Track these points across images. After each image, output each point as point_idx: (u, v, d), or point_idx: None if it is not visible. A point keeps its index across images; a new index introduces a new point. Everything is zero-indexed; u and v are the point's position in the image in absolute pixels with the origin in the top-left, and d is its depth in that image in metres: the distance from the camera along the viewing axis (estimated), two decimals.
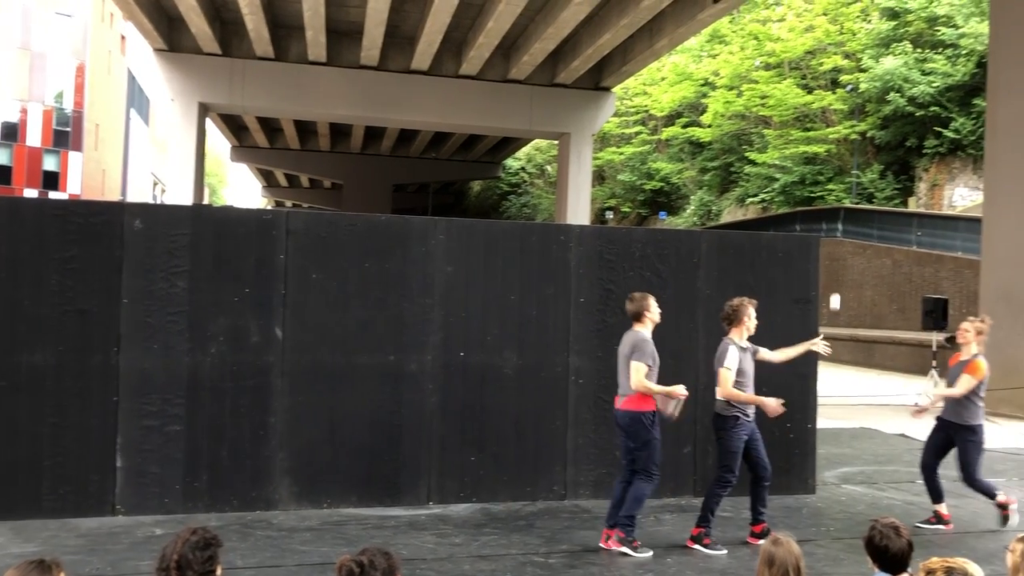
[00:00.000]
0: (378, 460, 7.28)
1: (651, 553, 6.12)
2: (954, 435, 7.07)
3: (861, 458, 10.22)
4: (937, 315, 16.36)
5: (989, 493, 7.04)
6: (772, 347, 7.91)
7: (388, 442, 7.30)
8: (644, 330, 6.26)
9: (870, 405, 15.70)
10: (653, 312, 6.31)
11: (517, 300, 7.66)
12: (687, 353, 7.96)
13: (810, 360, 8.27)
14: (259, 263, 7.11)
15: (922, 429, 12.46)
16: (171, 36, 24.37)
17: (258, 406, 7.05)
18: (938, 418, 7.26)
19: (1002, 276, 15.10)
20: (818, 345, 6.84)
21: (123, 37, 56.03)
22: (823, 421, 8.99)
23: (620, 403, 6.26)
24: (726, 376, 6.33)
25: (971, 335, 7.07)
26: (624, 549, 6.10)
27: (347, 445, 7.20)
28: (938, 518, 7.17)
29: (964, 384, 6.91)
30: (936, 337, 17.76)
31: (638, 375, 6.10)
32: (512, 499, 7.53)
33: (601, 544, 6.28)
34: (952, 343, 21.25)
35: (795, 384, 8.20)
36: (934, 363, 16.88)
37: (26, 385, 6.61)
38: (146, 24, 22.59)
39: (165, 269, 6.91)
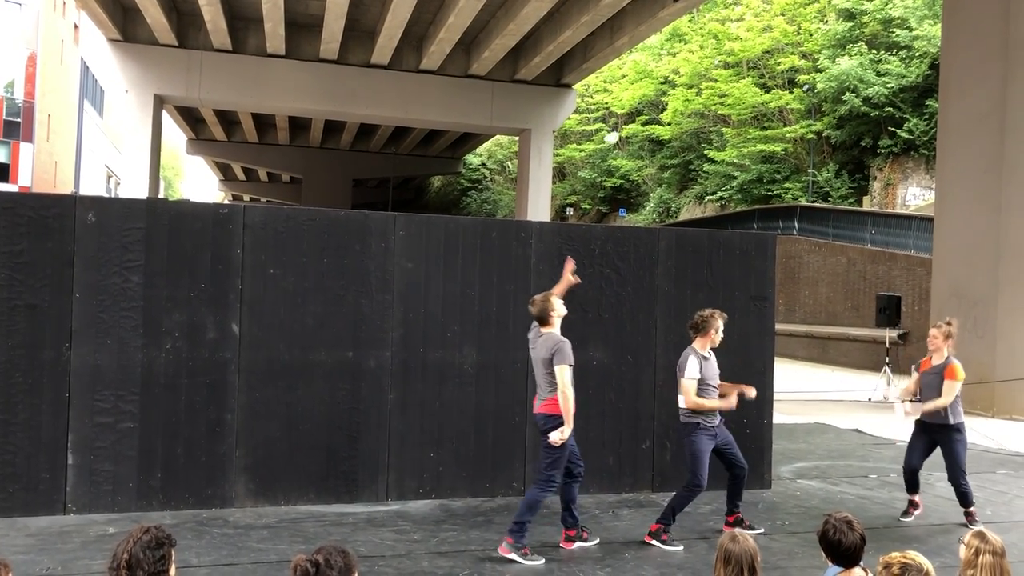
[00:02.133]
0: (336, 457, 7.23)
1: (542, 561, 5.89)
2: (938, 436, 7.17)
3: (815, 453, 10.38)
4: (890, 312, 16.67)
5: (966, 500, 7.16)
6: (730, 343, 8.00)
7: (346, 439, 7.25)
8: (555, 330, 6.12)
9: (825, 401, 15.96)
10: (559, 310, 6.16)
11: (477, 296, 7.65)
12: (645, 349, 8.02)
13: (765, 356, 8.39)
14: (215, 258, 7.01)
15: (874, 424, 12.71)
16: (126, 26, 23.94)
17: (214, 403, 6.97)
18: (919, 421, 7.33)
19: (953, 274, 15.43)
20: (751, 393, 6.69)
21: (76, 26, 54.86)
22: (778, 417, 9.13)
23: (538, 406, 6.10)
24: (688, 386, 6.36)
25: (940, 340, 7.19)
26: (512, 556, 5.87)
27: (305, 442, 7.14)
28: (913, 504, 7.35)
29: (950, 391, 7.01)
30: (889, 334, 18.10)
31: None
32: (471, 495, 7.53)
33: (561, 544, 6.25)
34: (904, 340, 21.68)
35: (751, 380, 8.27)
36: (887, 359, 17.20)
37: None
38: (100, 14, 22.16)
39: (119, 263, 6.78)
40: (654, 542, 6.35)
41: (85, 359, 6.70)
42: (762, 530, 6.76)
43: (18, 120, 46.25)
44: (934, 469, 8.29)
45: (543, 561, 5.92)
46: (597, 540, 6.39)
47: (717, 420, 6.54)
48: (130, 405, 6.78)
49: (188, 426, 6.91)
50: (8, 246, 6.56)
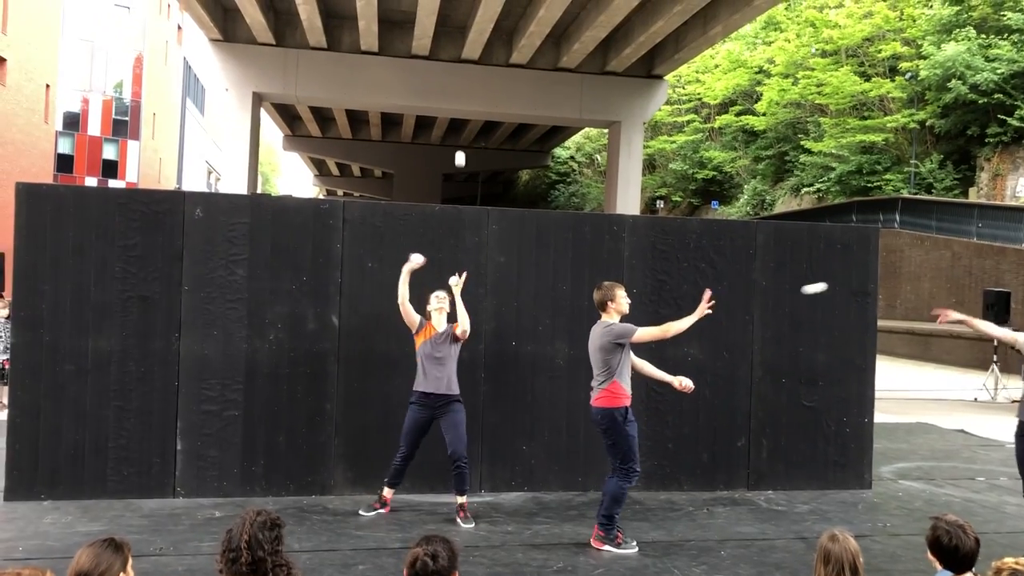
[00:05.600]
0: (430, 447, 7.33)
1: (635, 548, 5.94)
2: None
3: (918, 453, 10.04)
4: (999, 309, 15.94)
5: None
6: (830, 339, 7.81)
7: (437, 429, 7.34)
8: (612, 320, 6.07)
9: (927, 400, 15.39)
10: (620, 301, 6.11)
11: (568, 291, 7.66)
12: (741, 345, 7.89)
13: (867, 353, 8.15)
14: (316, 252, 7.21)
15: (981, 425, 12.20)
16: (226, 26, 24.73)
17: (314, 392, 7.16)
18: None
19: None
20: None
21: (179, 28, 56.97)
22: (879, 416, 8.85)
23: (593, 398, 6.09)
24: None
25: None
26: (607, 547, 5.92)
27: (401, 432, 7.26)
28: None
29: None
30: None
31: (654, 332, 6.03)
32: (563, 489, 7.55)
33: (592, 543, 6.05)
34: None
35: (852, 377, 8.09)
36: (995, 358, 16.47)
37: (92, 368, 6.81)
38: (202, 14, 22.96)
39: (224, 257, 7.04)
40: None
41: (193, 349, 6.97)
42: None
43: (126, 119, 48.34)
44: None
45: (635, 546, 5.96)
46: (635, 545, 6.05)
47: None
48: (235, 394, 7.03)
49: (289, 415, 7.12)
50: (123, 240, 6.88)
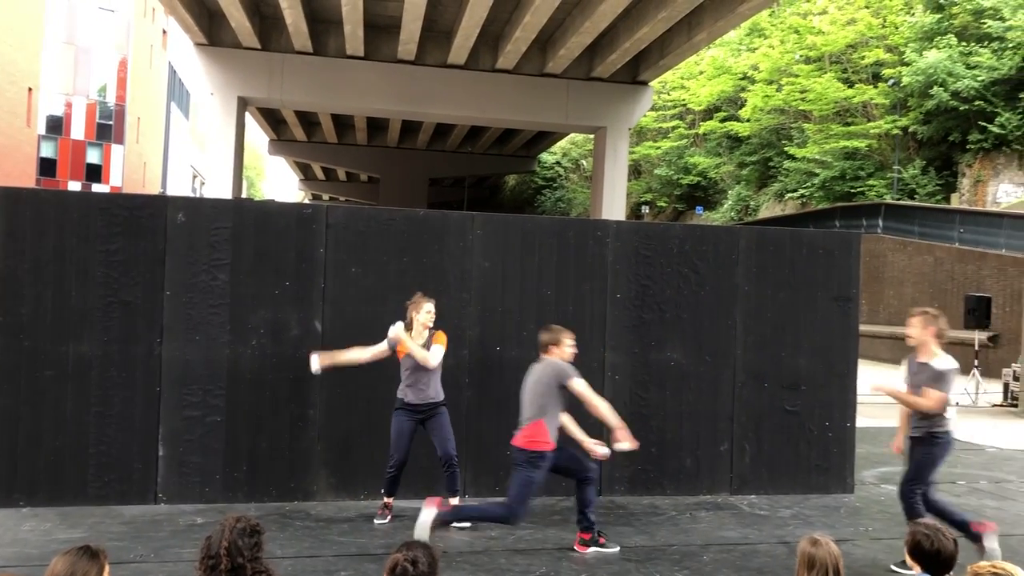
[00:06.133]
0: (414, 453, 7.31)
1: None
2: None
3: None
4: (980, 313, 16.08)
5: None
6: (813, 344, 7.85)
7: (424, 436, 7.33)
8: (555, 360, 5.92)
9: None
10: (564, 350, 5.94)
11: (553, 296, 7.67)
12: (724, 350, 7.92)
13: (849, 358, 8.19)
14: (299, 257, 7.19)
15: (963, 429, 12.27)
16: (211, 30, 24.64)
17: (297, 398, 7.14)
18: None
19: None
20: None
21: (164, 32, 56.79)
22: (862, 420, 8.89)
23: (515, 436, 5.96)
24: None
25: None
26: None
27: (385, 437, 7.22)
28: None
29: None
30: (979, 336, 17.47)
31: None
32: (547, 494, 7.53)
33: (575, 548, 6.07)
34: (995, 342, 20.87)
35: (834, 382, 8.13)
36: (976, 362, 16.60)
37: (73, 374, 6.76)
38: (187, 18, 22.85)
39: (207, 262, 7.01)
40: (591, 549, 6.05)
41: (175, 354, 6.94)
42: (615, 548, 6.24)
43: (110, 123, 48.10)
44: None
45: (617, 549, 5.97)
46: (617, 548, 6.10)
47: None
48: (217, 399, 6.99)
49: (272, 421, 7.09)
50: (105, 244, 6.84)
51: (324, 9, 23.43)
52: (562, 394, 5.86)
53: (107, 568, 2.85)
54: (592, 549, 6.07)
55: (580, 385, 5.80)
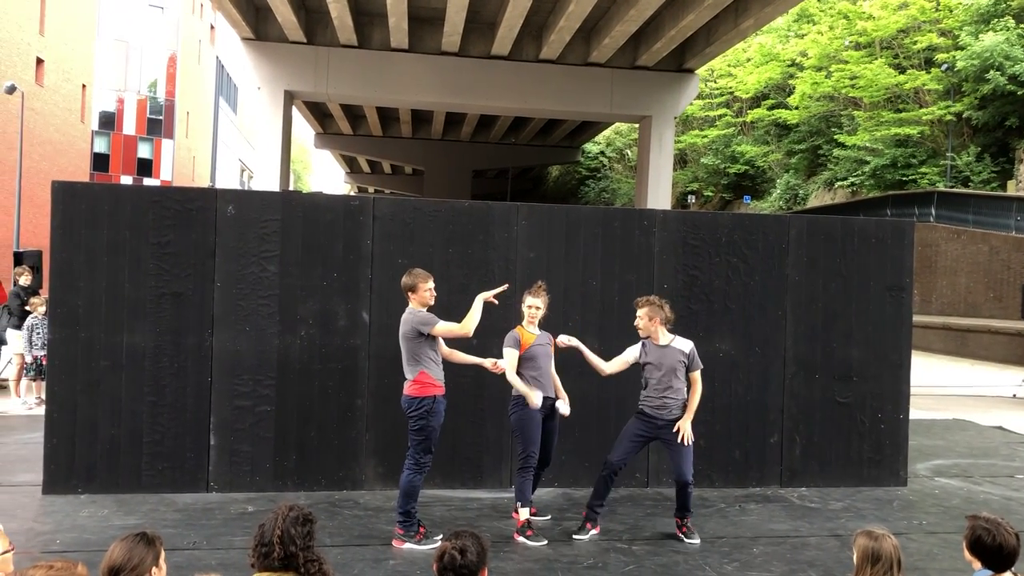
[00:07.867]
0: (461, 443, 7.35)
1: (434, 544, 5.62)
2: None
3: (955, 450, 9.88)
4: None
5: None
6: (864, 335, 7.73)
7: (471, 426, 7.37)
8: (416, 309, 5.91)
9: (964, 396, 15.15)
10: (422, 295, 5.90)
11: (598, 286, 7.62)
12: (774, 341, 7.81)
13: (902, 349, 8.03)
14: (347, 248, 7.24)
15: (1020, 422, 11.98)
16: (258, 25, 24.91)
17: (345, 388, 7.20)
18: None
19: None
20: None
21: (212, 27, 57.60)
22: (915, 412, 8.73)
23: (404, 389, 5.94)
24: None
25: None
26: (408, 544, 5.77)
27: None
28: None
29: None
30: None
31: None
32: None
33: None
34: None
35: (887, 373, 7.98)
36: None
37: (127, 364, 6.89)
38: (234, 14, 23.14)
39: (256, 254, 7.09)
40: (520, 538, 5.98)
41: (226, 345, 7.04)
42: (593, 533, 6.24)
43: (160, 118, 48.97)
44: None
45: (439, 539, 5.62)
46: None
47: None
48: (267, 389, 7.08)
49: (321, 410, 7.16)
50: (156, 237, 6.96)
51: (369, 2, 23.55)
52: (431, 339, 5.88)
53: (163, 554, 2.90)
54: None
55: (443, 327, 5.83)
